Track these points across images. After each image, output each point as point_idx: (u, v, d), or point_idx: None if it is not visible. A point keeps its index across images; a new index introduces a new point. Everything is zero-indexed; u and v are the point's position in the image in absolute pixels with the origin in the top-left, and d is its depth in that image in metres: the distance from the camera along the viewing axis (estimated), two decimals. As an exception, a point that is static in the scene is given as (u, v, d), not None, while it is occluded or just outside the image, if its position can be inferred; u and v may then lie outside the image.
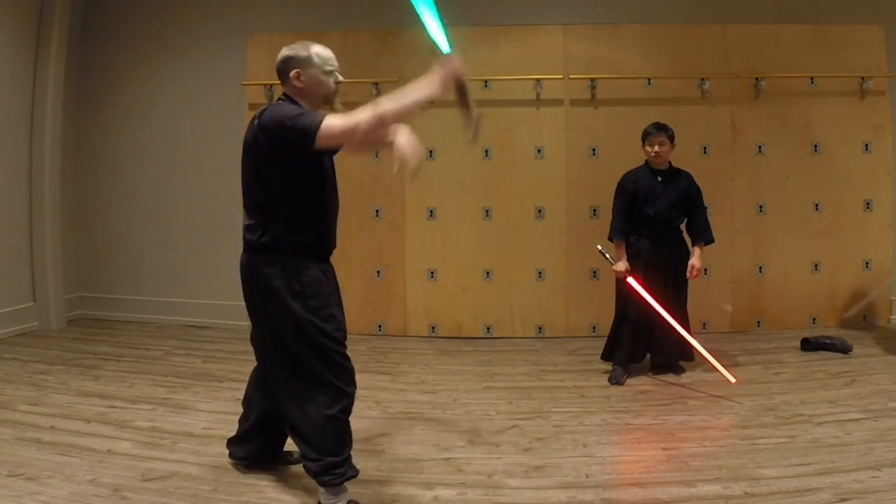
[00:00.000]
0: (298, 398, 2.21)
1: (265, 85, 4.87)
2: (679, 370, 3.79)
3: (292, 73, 2.19)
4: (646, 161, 3.78)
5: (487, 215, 4.85)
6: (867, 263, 4.77)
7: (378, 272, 4.91)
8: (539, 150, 4.78)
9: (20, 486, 2.41)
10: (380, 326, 4.89)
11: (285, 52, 2.22)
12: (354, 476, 2.25)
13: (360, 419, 3.16)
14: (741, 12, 4.76)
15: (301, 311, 2.16)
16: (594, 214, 4.74)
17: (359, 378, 3.79)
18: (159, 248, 5.25)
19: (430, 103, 2.13)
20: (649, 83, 4.75)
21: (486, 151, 4.77)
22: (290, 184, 2.15)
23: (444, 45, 2.10)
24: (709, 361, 3.48)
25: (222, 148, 5.06)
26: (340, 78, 2.25)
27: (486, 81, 4.74)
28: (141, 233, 5.29)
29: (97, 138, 5.34)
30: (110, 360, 4.15)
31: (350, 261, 4.75)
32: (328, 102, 2.24)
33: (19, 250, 4.89)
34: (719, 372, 3.30)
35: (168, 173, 5.21)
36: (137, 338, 4.74)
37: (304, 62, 2.18)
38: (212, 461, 2.66)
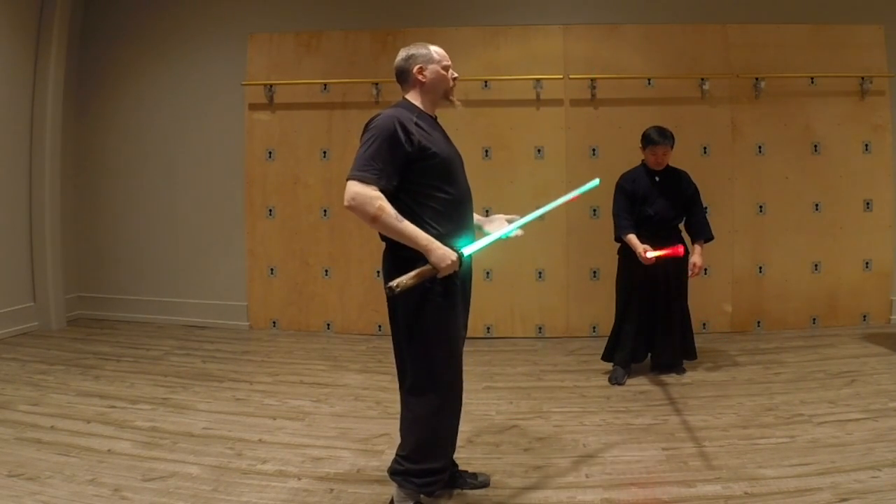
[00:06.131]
0: None
1: (265, 85, 4.87)
2: (681, 370, 3.79)
3: (415, 69, 2.23)
4: (643, 162, 3.79)
5: (487, 215, 4.82)
6: (867, 263, 4.77)
7: (378, 272, 4.89)
8: (539, 150, 4.78)
9: (20, 486, 2.41)
10: (380, 326, 4.88)
11: (404, 52, 2.27)
12: None
13: (361, 419, 3.17)
14: (741, 12, 4.76)
15: None
16: (594, 214, 4.75)
17: (359, 378, 3.78)
18: (159, 249, 5.25)
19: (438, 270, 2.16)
20: (649, 83, 4.75)
21: (486, 151, 4.77)
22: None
23: (468, 251, 2.23)
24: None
25: (222, 147, 5.08)
26: (456, 74, 2.32)
27: (486, 81, 4.74)
28: (141, 233, 5.29)
29: (97, 138, 5.34)
30: (110, 360, 4.15)
31: (350, 261, 4.69)
32: (447, 98, 2.31)
33: (19, 250, 4.90)
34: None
35: (168, 173, 5.21)
36: (137, 338, 4.74)
37: (426, 58, 2.24)
38: (212, 461, 2.66)
